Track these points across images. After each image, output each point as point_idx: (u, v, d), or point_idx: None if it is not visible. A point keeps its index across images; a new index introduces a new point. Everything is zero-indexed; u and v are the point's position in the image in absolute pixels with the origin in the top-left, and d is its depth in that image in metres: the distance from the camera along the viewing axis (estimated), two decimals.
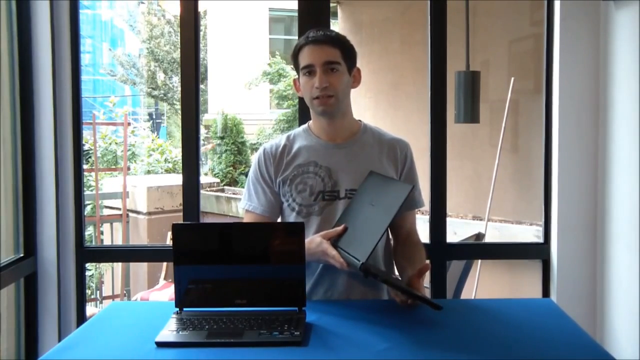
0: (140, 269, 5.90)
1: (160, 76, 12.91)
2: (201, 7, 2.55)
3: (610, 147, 2.26)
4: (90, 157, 7.15)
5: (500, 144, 4.20)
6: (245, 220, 1.87)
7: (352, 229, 1.64)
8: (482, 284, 4.11)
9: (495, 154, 4.21)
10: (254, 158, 1.90)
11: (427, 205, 2.29)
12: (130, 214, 6.21)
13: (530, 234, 4.39)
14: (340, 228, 1.66)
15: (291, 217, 1.81)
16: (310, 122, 1.89)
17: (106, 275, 6.51)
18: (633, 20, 2.10)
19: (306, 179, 1.79)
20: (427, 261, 1.75)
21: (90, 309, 4.20)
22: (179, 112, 4.01)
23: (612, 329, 2.26)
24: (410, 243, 1.85)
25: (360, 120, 1.91)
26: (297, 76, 1.85)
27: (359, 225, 1.63)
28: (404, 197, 1.54)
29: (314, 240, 1.67)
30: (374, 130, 1.89)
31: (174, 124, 13.51)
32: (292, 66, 1.93)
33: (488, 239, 4.15)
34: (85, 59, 15.68)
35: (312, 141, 1.84)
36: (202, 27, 11.26)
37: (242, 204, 1.88)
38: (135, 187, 6.32)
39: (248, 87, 10.70)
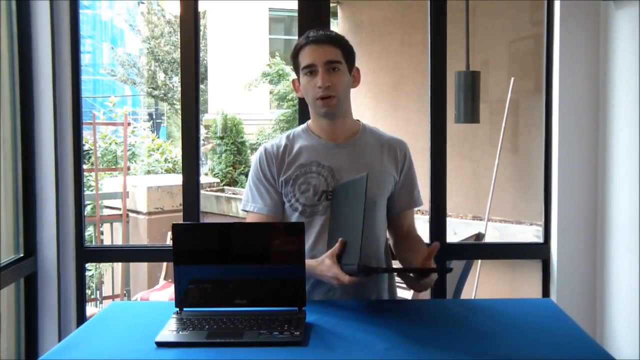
0: (140, 269, 5.89)
1: (160, 76, 12.92)
2: (201, 7, 2.55)
3: (610, 147, 2.26)
4: (90, 157, 7.15)
5: (500, 144, 4.20)
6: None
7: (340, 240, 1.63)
8: (482, 284, 4.11)
9: (495, 154, 4.21)
10: (254, 158, 1.87)
11: (427, 205, 2.29)
12: (130, 214, 6.20)
13: (530, 234, 4.40)
14: (338, 245, 1.59)
15: (294, 217, 1.80)
16: (309, 121, 1.89)
17: (106, 275, 6.51)
18: (633, 20, 2.10)
19: (309, 179, 1.78)
20: (437, 242, 1.66)
21: (90, 309, 4.19)
22: (179, 112, 4.01)
23: (612, 329, 2.26)
24: (411, 238, 1.87)
25: (358, 120, 1.91)
26: (296, 77, 1.84)
27: (344, 234, 1.61)
28: (364, 186, 1.53)
29: (324, 262, 1.60)
30: (372, 130, 1.90)
31: (174, 124, 13.52)
32: (292, 67, 1.91)
33: (488, 239, 4.15)
34: (85, 59, 15.68)
35: (313, 141, 1.84)
36: (202, 27, 11.26)
37: (246, 207, 1.84)
38: (135, 187, 6.31)
39: (248, 88, 10.70)
